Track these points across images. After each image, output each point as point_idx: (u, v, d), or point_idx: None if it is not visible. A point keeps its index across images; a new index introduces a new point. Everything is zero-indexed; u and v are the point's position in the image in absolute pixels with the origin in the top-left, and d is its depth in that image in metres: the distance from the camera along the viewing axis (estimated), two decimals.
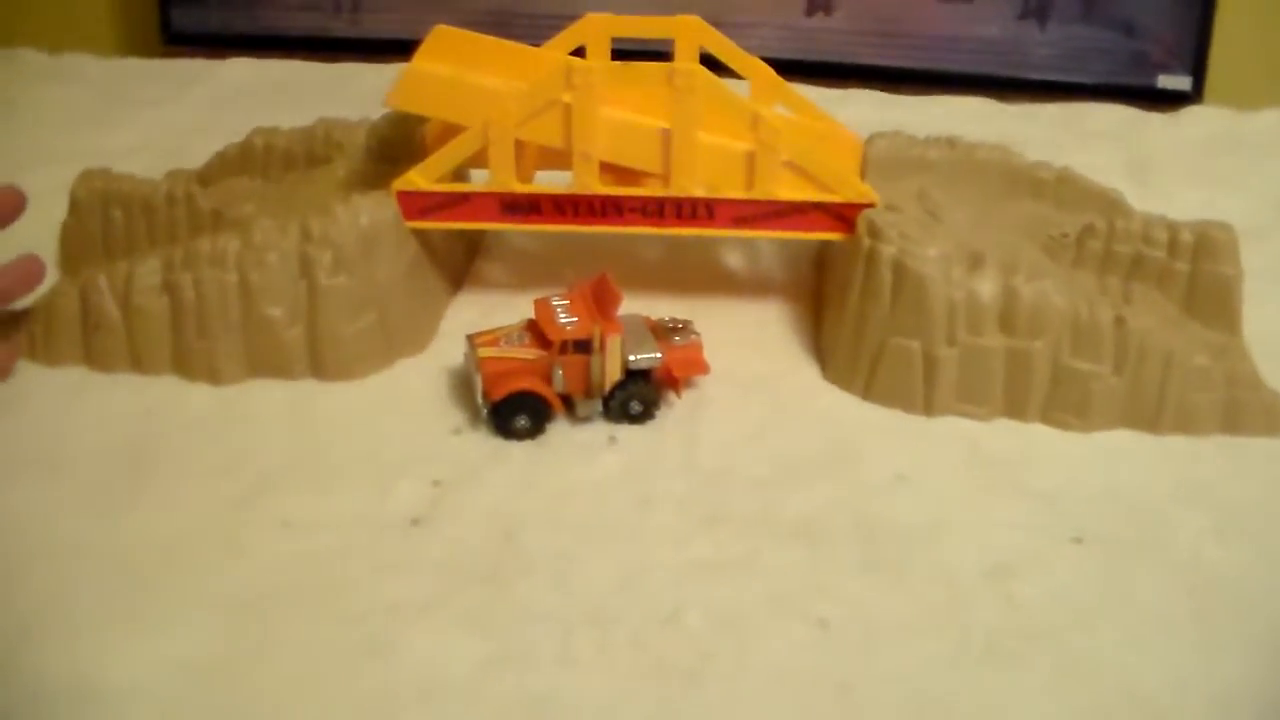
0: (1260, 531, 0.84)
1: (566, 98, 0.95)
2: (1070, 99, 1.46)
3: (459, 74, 1.00)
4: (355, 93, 1.33)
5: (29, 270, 0.97)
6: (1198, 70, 1.45)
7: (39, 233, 1.01)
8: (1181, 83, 1.46)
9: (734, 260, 1.13)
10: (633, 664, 0.74)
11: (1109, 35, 1.47)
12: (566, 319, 0.91)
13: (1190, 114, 1.43)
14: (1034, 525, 0.84)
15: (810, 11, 1.51)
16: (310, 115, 1.13)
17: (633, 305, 0.94)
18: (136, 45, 1.67)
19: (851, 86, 1.47)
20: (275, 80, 1.52)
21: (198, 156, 1.13)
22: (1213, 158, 1.34)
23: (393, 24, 1.56)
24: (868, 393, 0.96)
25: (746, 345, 1.01)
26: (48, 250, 1.05)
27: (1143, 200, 1.09)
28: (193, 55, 1.59)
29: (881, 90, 1.48)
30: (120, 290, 0.96)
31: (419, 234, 1.01)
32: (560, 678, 0.73)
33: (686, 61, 1.03)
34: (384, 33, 1.56)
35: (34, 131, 1.40)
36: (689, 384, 0.96)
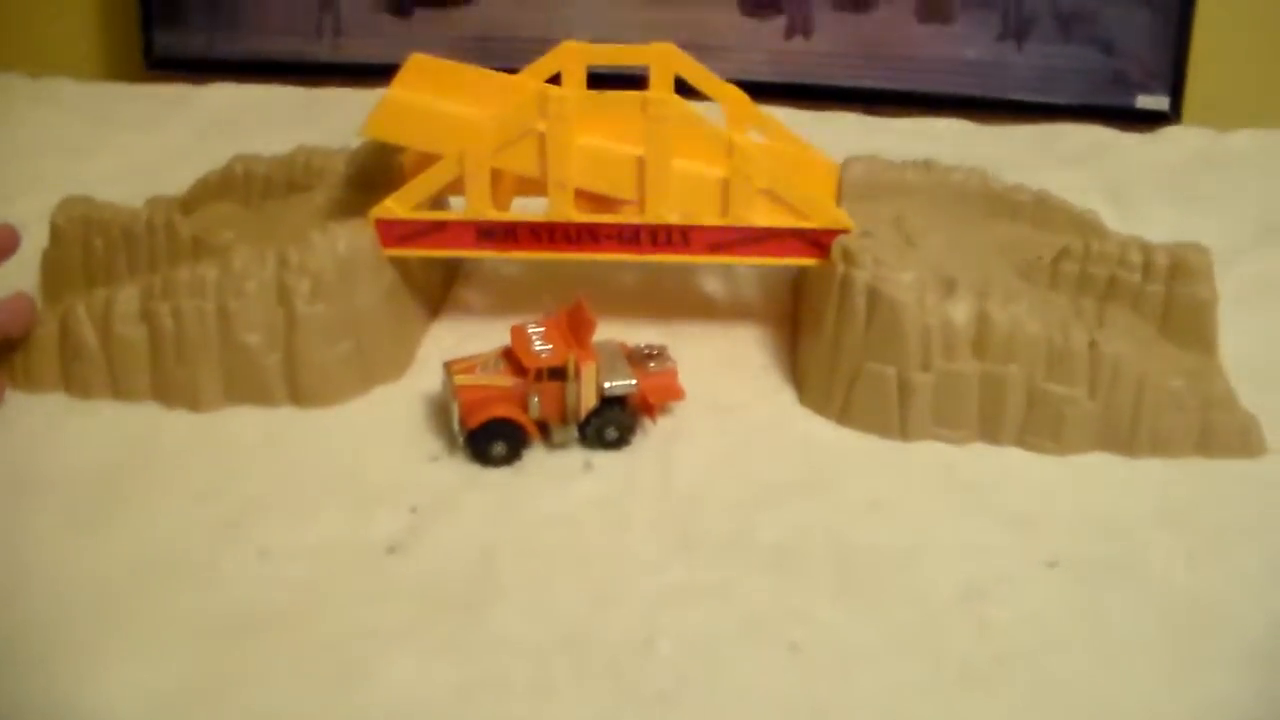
0: (1235, 554, 0.84)
1: (541, 126, 0.95)
2: (1048, 119, 1.46)
3: (433, 103, 1.01)
4: (337, 118, 1.33)
5: (19, 309, 0.97)
6: (1176, 90, 1.46)
7: (21, 259, 1.00)
8: (1160, 103, 1.46)
9: (710, 286, 1.13)
10: (607, 690, 0.74)
11: (1087, 56, 1.47)
12: (542, 346, 0.91)
13: (1168, 134, 1.44)
14: (1009, 549, 0.85)
15: (790, 34, 1.51)
16: (292, 140, 1.13)
17: (609, 331, 0.95)
18: (118, 69, 1.67)
19: (831, 109, 1.47)
20: (257, 105, 1.52)
21: (179, 181, 1.13)
22: (1190, 178, 1.34)
23: (375, 49, 1.56)
24: (843, 418, 0.96)
25: (722, 371, 1.01)
26: (29, 277, 1.05)
27: (1120, 221, 1.10)
28: (175, 80, 1.59)
29: (861, 112, 1.48)
30: (99, 318, 0.96)
31: (397, 261, 1.01)
32: (535, 705, 0.73)
33: (661, 89, 1.03)
34: (366, 58, 1.56)
35: (14, 156, 1.40)
36: (664, 410, 0.96)
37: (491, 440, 0.91)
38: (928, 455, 0.93)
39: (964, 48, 1.49)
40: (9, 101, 1.54)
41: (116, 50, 1.68)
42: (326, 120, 1.32)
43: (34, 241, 1.04)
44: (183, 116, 1.50)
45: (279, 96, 1.54)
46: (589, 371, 0.91)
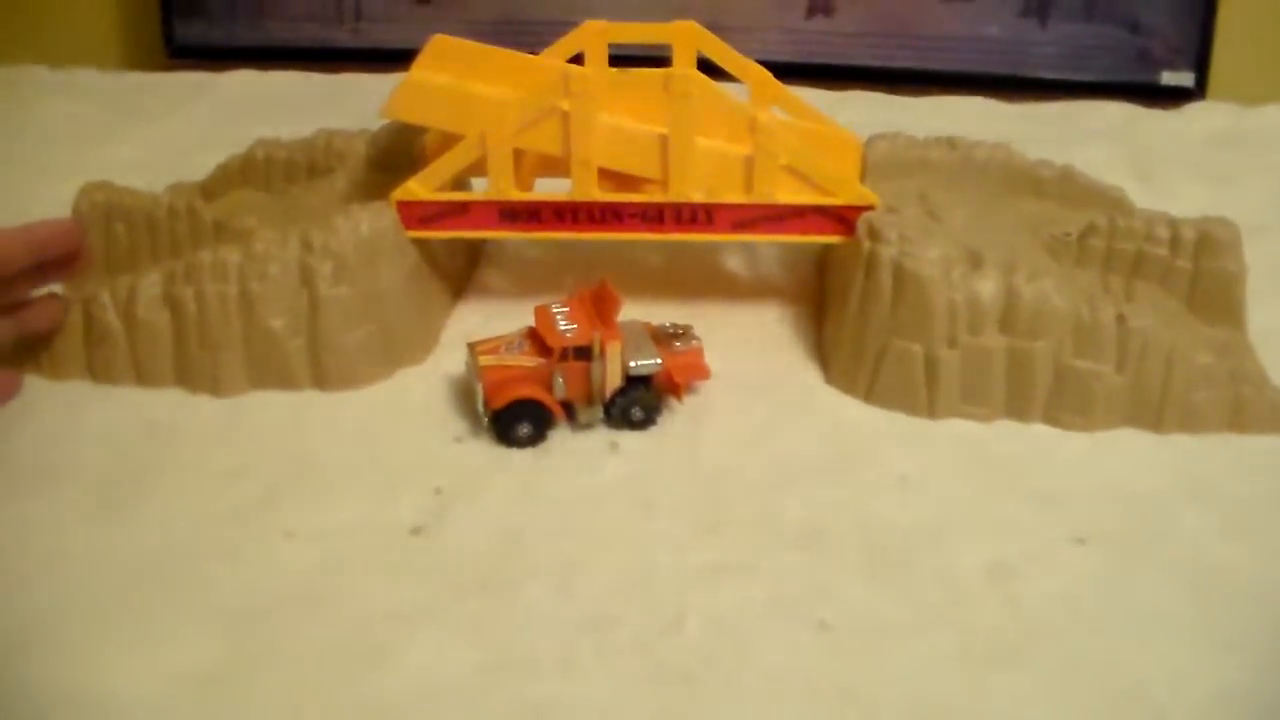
0: (1264, 529, 0.84)
1: (564, 105, 0.95)
2: (1073, 97, 1.46)
3: (455, 83, 1.01)
4: (358, 103, 1.33)
5: (50, 310, 0.97)
6: (1200, 66, 1.45)
7: None
8: (1184, 79, 1.46)
9: (734, 264, 1.13)
10: (634, 670, 0.74)
11: (1111, 32, 1.47)
12: (566, 326, 0.91)
13: (1193, 110, 1.43)
14: (1037, 526, 0.84)
15: (811, 14, 1.51)
16: (313, 126, 1.13)
17: (633, 311, 0.95)
18: (140, 59, 1.68)
19: (853, 88, 1.47)
20: (278, 91, 1.53)
21: (201, 169, 1.14)
22: (1216, 154, 1.34)
23: (395, 34, 1.57)
24: (870, 395, 0.95)
25: (748, 349, 1.01)
26: None
27: (1146, 197, 1.09)
28: (196, 68, 1.59)
29: (883, 91, 1.48)
30: (123, 304, 0.97)
31: (419, 243, 1.01)
32: (561, 685, 0.73)
33: (683, 67, 1.03)
34: (387, 43, 1.57)
35: (38, 145, 1.40)
36: (690, 389, 0.95)
37: (516, 421, 0.90)
38: (955, 432, 0.93)
39: (987, 25, 1.49)
40: (32, 92, 1.55)
41: (137, 40, 1.68)
42: (348, 105, 1.32)
43: None
44: (204, 104, 1.51)
45: (300, 83, 1.55)
46: (614, 351, 0.90)
